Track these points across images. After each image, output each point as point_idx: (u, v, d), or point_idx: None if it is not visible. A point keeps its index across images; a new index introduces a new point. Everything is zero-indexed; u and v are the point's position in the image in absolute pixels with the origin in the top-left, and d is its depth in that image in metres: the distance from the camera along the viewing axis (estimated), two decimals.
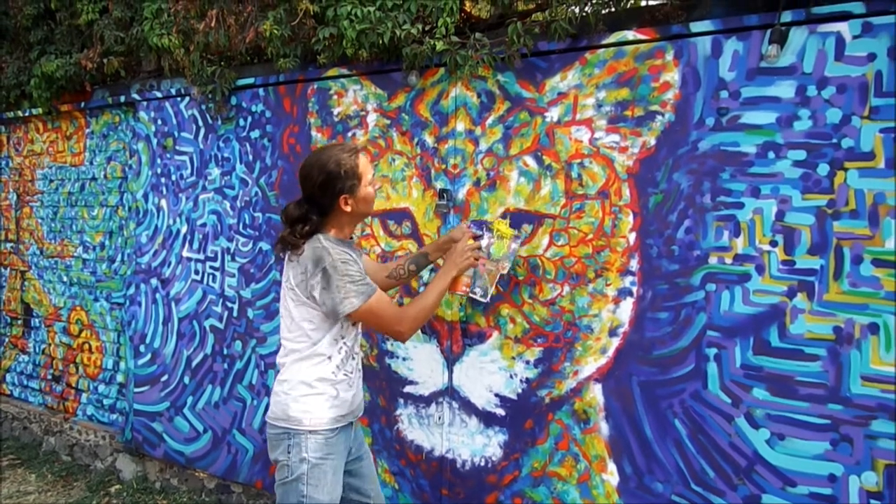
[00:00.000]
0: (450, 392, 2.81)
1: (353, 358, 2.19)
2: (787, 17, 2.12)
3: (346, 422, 2.17)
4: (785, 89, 2.14)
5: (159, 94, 3.77)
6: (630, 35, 2.40)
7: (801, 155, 2.12)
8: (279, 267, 3.29)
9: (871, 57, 2.02)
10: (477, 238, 2.46)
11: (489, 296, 2.47)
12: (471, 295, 2.49)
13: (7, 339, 4.92)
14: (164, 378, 3.80)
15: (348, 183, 2.06)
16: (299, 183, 2.13)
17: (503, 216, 2.63)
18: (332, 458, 2.10)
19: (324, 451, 2.08)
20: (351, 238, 2.23)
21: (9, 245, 4.86)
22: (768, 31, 2.15)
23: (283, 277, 2.16)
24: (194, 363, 3.66)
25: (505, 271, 2.48)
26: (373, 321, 2.12)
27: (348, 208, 2.09)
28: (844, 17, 2.05)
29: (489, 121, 2.68)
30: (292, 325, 2.12)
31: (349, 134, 3.05)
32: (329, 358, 2.11)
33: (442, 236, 2.59)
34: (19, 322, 4.82)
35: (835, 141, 2.07)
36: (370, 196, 2.15)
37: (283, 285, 2.16)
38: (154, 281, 3.82)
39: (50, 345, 4.59)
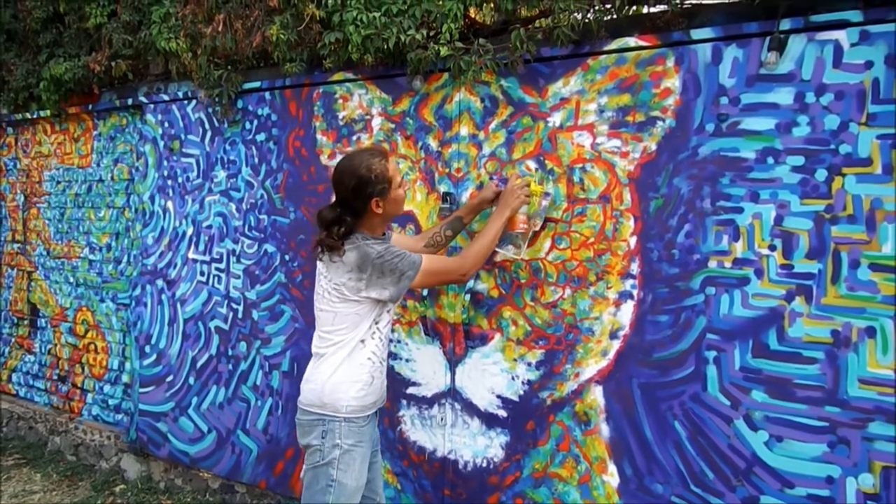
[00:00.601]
0: (452, 393, 2.84)
1: (386, 343, 2.33)
2: (785, 24, 2.15)
3: (374, 409, 2.30)
4: (784, 96, 2.17)
5: (166, 97, 3.81)
6: (632, 42, 2.43)
7: (799, 160, 2.15)
8: (283, 269, 3.33)
9: (869, 64, 2.05)
10: None
11: (524, 253, 2.55)
12: (503, 252, 2.59)
13: (13, 339, 4.96)
14: (170, 378, 3.83)
15: (379, 187, 2.16)
16: (332, 187, 2.23)
17: (535, 171, 2.67)
18: (362, 446, 2.21)
19: (355, 437, 2.19)
20: (384, 235, 2.34)
21: (16, 246, 4.91)
22: (767, 39, 2.18)
23: (323, 277, 2.25)
24: (199, 364, 3.70)
25: (537, 228, 2.56)
26: (436, 279, 2.33)
27: (379, 210, 2.20)
28: (842, 25, 2.08)
29: (492, 125, 2.72)
30: (336, 320, 2.22)
31: (354, 138, 3.09)
32: (363, 342, 2.23)
33: (474, 198, 2.68)
34: (26, 322, 4.86)
35: (833, 147, 2.10)
36: (400, 198, 2.27)
37: (324, 284, 2.25)
38: (160, 282, 3.86)
39: (56, 345, 4.63)
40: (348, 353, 2.20)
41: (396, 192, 2.23)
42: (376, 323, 2.25)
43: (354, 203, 2.18)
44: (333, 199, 2.26)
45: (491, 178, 2.72)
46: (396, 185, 2.22)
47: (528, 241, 2.57)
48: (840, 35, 2.09)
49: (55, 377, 4.64)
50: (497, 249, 2.57)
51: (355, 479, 2.18)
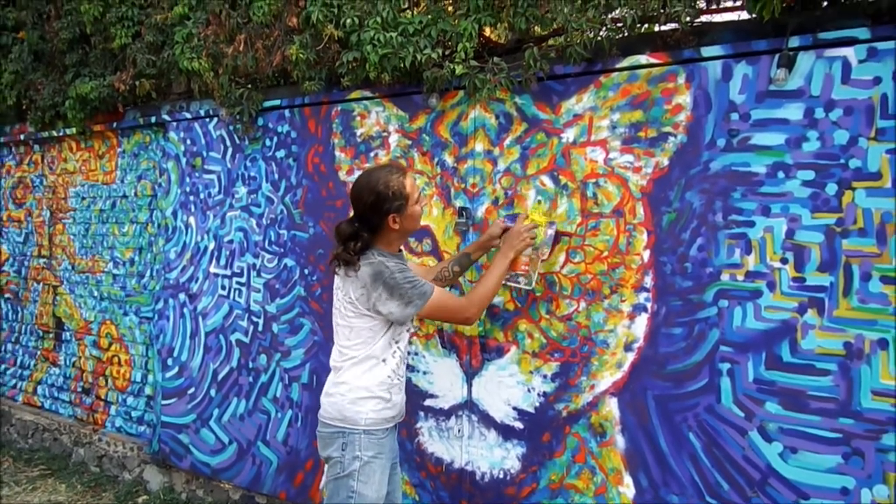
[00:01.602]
0: (469, 405, 2.88)
1: (404, 360, 2.37)
2: (794, 42, 2.19)
3: (394, 423, 2.34)
4: (793, 111, 2.21)
5: (189, 115, 3.90)
6: (643, 59, 2.48)
7: (809, 175, 2.18)
8: (303, 283, 3.39)
9: (877, 80, 2.08)
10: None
11: (534, 283, 2.58)
12: (514, 285, 2.61)
13: (39, 352, 5.06)
14: (191, 391, 3.90)
15: (396, 203, 2.20)
16: (351, 203, 2.29)
17: (537, 203, 2.72)
18: (382, 458, 2.25)
19: (375, 449, 2.23)
20: (400, 251, 2.39)
21: (42, 261, 5.02)
22: (777, 56, 2.22)
23: (340, 291, 2.30)
24: (220, 376, 3.77)
25: (546, 257, 2.59)
26: (440, 315, 2.36)
27: (396, 226, 2.25)
28: (850, 42, 2.12)
29: (507, 141, 2.77)
30: (351, 334, 2.27)
31: (372, 154, 3.15)
32: (384, 361, 2.28)
33: (482, 236, 2.73)
34: (51, 335, 4.96)
35: (842, 161, 2.13)
36: (417, 214, 2.31)
37: (341, 298, 2.30)
38: (182, 296, 3.94)
39: (80, 358, 4.72)
40: (368, 368, 2.24)
41: (413, 208, 2.27)
42: (396, 342, 2.30)
43: (372, 219, 2.22)
44: (351, 214, 2.32)
45: (499, 204, 2.77)
46: (414, 202, 2.27)
47: (537, 270, 2.59)
48: (848, 52, 2.13)
49: (79, 389, 4.73)
50: (507, 283, 2.60)
51: (375, 490, 2.22)
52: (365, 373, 2.24)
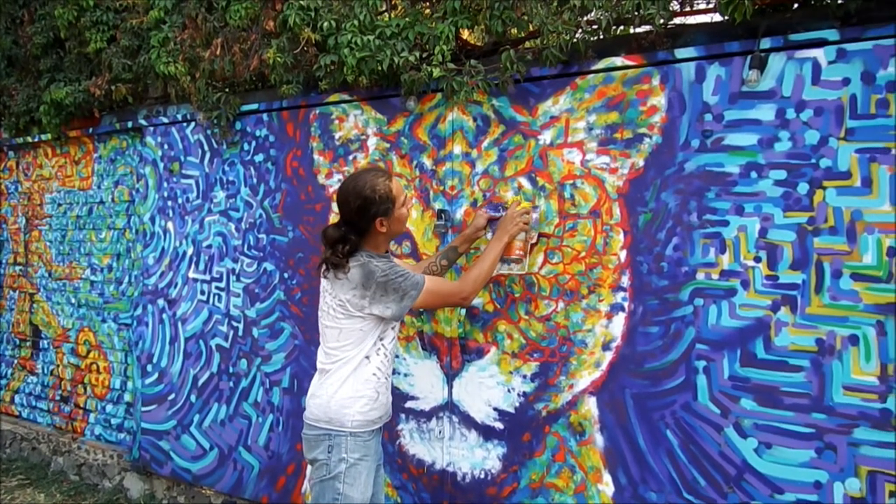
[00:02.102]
0: (450, 407, 2.89)
1: (391, 360, 2.37)
2: (766, 43, 2.23)
3: (380, 424, 2.33)
4: (765, 112, 2.24)
5: (166, 120, 3.88)
6: (618, 61, 2.51)
7: (781, 174, 2.21)
8: (282, 287, 3.39)
9: (846, 81, 2.13)
10: (496, 220, 2.63)
11: (526, 266, 2.59)
12: (508, 272, 2.63)
13: (16, 361, 5.00)
14: (171, 397, 3.88)
15: (383, 206, 2.22)
16: (337, 207, 2.29)
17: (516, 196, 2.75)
18: (367, 460, 2.25)
19: (361, 451, 2.23)
20: (387, 252, 2.40)
21: (18, 268, 4.96)
22: (749, 58, 2.25)
23: (328, 294, 2.30)
24: (200, 382, 3.75)
25: (534, 240, 2.62)
26: (437, 301, 2.39)
27: (383, 229, 2.26)
28: (820, 43, 2.16)
29: (485, 144, 2.79)
30: (341, 336, 2.27)
31: (350, 157, 3.16)
32: (368, 359, 2.28)
33: (468, 228, 2.73)
34: (28, 344, 4.90)
35: (813, 161, 2.17)
36: (403, 217, 2.33)
37: (329, 301, 2.29)
38: (161, 301, 3.91)
39: (58, 366, 4.67)
40: (353, 368, 2.25)
41: (400, 210, 2.29)
42: (381, 339, 2.30)
43: (359, 223, 2.23)
44: (338, 218, 2.32)
45: (477, 206, 2.79)
46: (400, 204, 2.28)
47: (529, 254, 2.61)
48: (818, 53, 2.17)
49: (58, 398, 4.68)
50: (501, 271, 2.62)
51: (361, 492, 2.22)
52: (353, 373, 2.24)
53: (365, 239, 2.28)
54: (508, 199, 2.73)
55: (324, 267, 2.27)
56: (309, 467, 2.30)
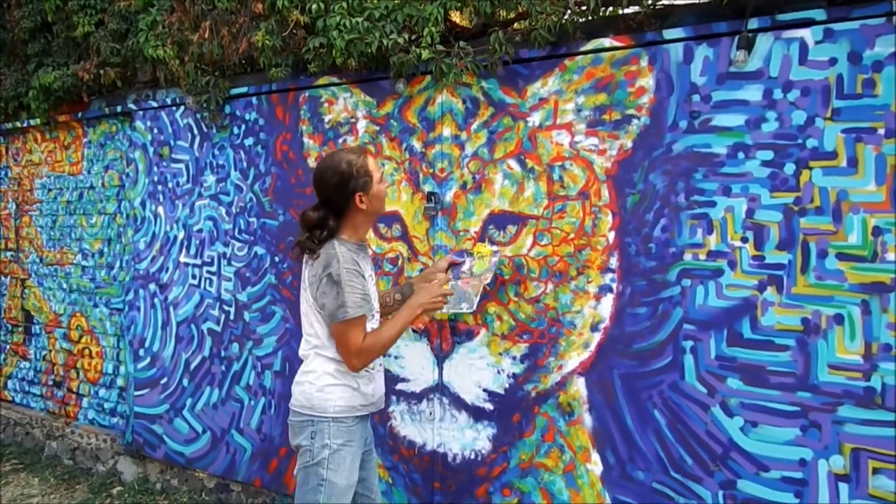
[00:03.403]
0: (440, 388, 2.91)
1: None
2: (753, 24, 2.23)
3: (365, 412, 2.29)
4: (753, 93, 2.25)
5: (155, 104, 3.86)
6: (607, 42, 2.50)
7: (768, 155, 2.22)
8: (273, 270, 3.39)
9: (833, 61, 2.13)
10: (458, 264, 2.59)
11: (475, 306, 2.55)
12: (456, 311, 2.60)
13: (8, 347, 5.00)
14: (164, 381, 3.89)
15: (361, 181, 2.17)
16: (314, 188, 2.22)
17: (482, 240, 2.79)
18: (351, 446, 2.22)
19: (345, 437, 2.20)
20: (364, 241, 2.32)
21: (9, 254, 4.95)
22: (736, 38, 2.26)
23: (302, 278, 2.27)
24: (193, 366, 3.76)
25: (487, 281, 2.58)
26: (339, 340, 2.17)
27: (363, 206, 2.19)
28: (807, 23, 2.16)
29: (474, 126, 2.79)
30: (315, 322, 2.24)
31: (340, 140, 3.15)
32: None
33: (427, 268, 2.72)
34: (20, 329, 4.90)
35: (800, 141, 2.17)
36: (382, 193, 2.26)
37: (302, 285, 2.27)
38: (152, 286, 3.91)
39: (51, 351, 4.67)
40: (328, 357, 2.22)
41: (379, 186, 2.23)
42: None
43: (338, 200, 2.18)
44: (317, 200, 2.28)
45: (467, 188, 2.79)
46: (378, 180, 2.23)
47: (479, 293, 2.55)
48: (805, 33, 2.17)
49: (51, 383, 4.69)
50: (449, 311, 2.60)
51: (346, 477, 2.20)
52: (330, 360, 2.21)
53: (344, 220, 2.22)
54: (476, 249, 2.74)
55: (297, 251, 2.23)
56: None
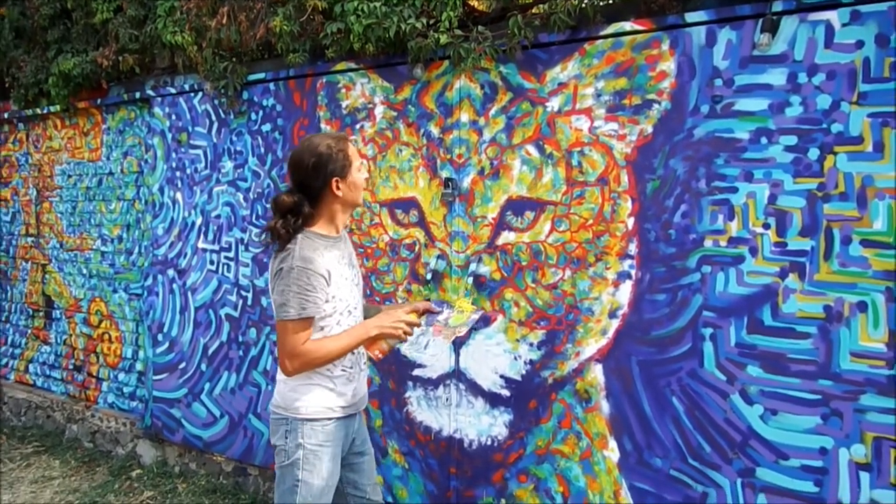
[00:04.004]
0: (457, 374, 2.91)
1: (352, 353, 2.19)
2: (778, 6, 2.19)
3: (344, 413, 2.19)
4: (776, 77, 2.21)
5: (173, 90, 3.88)
6: (627, 26, 2.47)
7: (792, 140, 2.19)
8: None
9: (860, 44, 2.09)
10: (434, 312, 2.30)
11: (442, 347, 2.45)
12: (417, 352, 2.48)
13: (29, 331, 5.06)
14: (182, 365, 3.92)
15: (339, 165, 2.06)
16: (289, 172, 2.12)
17: (466, 295, 2.78)
18: (328, 446, 2.15)
19: (320, 438, 2.13)
20: (338, 234, 2.18)
21: (29, 239, 5.00)
22: (760, 21, 2.22)
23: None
24: (211, 350, 3.78)
25: (461, 334, 2.32)
26: (280, 339, 2.06)
27: (339, 192, 2.08)
28: (834, 5, 2.12)
29: (492, 111, 2.77)
30: None
31: (357, 126, 3.14)
32: None
33: (406, 304, 2.41)
34: (41, 314, 4.96)
35: (825, 126, 2.14)
36: (359, 182, 2.14)
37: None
38: (171, 272, 3.94)
39: (71, 335, 4.73)
40: None
41: (356, 174, 2.12)
42: (322, 329, 2.10)
43: (314, 184, 2.06)
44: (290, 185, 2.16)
45: (485, 174, 2.77)
46: (356, 168, 2.12)
47: (451, 339, 2.35)
48: (831, 15, 2.13)
49: (71, 367, 4.74)
50: (409, 350, 2.49)
51: (322, 478, 2.13)
52: None
53: (319, 208, 2.10)
54: (455, 301, 2.63)
55: (266, 236, 2.09)
56: None
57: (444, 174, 2.89)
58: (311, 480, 2.11)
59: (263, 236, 2.11)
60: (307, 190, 2.08)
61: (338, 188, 2.08)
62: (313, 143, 2.08)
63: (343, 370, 2.17)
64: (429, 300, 2.63)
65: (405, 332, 2.13)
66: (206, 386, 3.81)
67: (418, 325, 2.20)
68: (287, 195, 2.08)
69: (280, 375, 2.18)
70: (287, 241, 2.04)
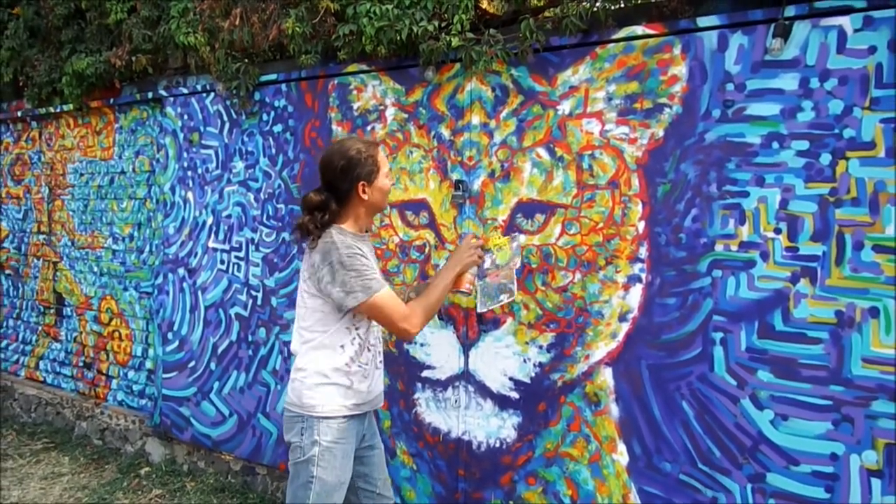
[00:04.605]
0: (466, 376, 2.91)
1: (369, 350, 2.25)
2: (790, 11, 2.19)
3: (359, 411, 2.24)
4: (788, 81, 2.21)
5: (185, 91, 3.90)
6: (639, 30, 2.48)
7: (804, 145, 2.19)
8: (301, 256, 3.41)
9: (872, 49, 2.09)
10: (478, 265, 2.51)
11: (515, 292, 2.51)
12: (499, 304, 2.53)
13: (40, 328, 5.10)
14: (192, 364, 3.94)
15: (367, 169, 2.16)
16: (319, 172, 2.22)
17: (493, 228, 2.78)
18: (343, 443, 2.19)
19: (335, 435, 2.17)
20: (366, 232, 2.31)
21: (41, 237, 5.04)
22: (772, 26, 2.22)
23: (302, 269, 2.26)
24: (220, 350, 3.80)
25: (518, 265, 2.55)
26: (379, 316, 2.16)
27: (365, 196, 2.17)
28: (846, 11, 2.12)
29: (503, 114, 2.77)
30: (307, 315, 2.21)
31: (368, 128, 3.15)
32: (342, 348, 2.19)
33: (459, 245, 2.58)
34: (52, 311, 4.99)
35: (837, 131, 2.14)
36: (386, 188, 2.25)
37: (301, 276, 2.26)
38: (181, 270, 3.96)
39: (81, 333, 4.76)
40: (324, 354, 2.18)
41: (384, 180, 2.22)
42: (356, 329, 2.20)
43: (342, 185, 2.16)
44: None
45: (493, 177, 2.78)
46: (384, 174, 2.22)
47: (515, 279, 2.52)
48: (844, 21, 2.13)
49: (81, 364, 4.77)
50: (490, 308, 2.54)
51: (336, 475, 2.17)
52: (321, 358, 2.17)
53: (346, 208, 2.20)
54: (487, 244, 2.65)
55: (297, 233, 2.19)
56: None
57: (455, 176, 2.90)
58: (325, 477, 2.15)
59: (295, 234, 2.21)
60: (335, 191, 2.18)
61: (364, 192, 2.17)
62: (344, 146, 2.17)
63: (360, 366, 2.22)
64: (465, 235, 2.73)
65: (479, 256, 2.47)
66: (216, 385, 3.83)
67: (481, 245, 2.51)
68: (315, 194, 2.19)
69: (293, 374, 2.23)
70: (317, 235, 2.13)
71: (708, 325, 2.37)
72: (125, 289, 4.43)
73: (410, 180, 3.03)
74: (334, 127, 3.28)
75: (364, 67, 3.15)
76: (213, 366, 3.84)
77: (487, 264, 2.58)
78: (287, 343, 3.49)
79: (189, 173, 3.90)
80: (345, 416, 2.19)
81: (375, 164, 2.18)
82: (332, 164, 2.16)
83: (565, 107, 2.63)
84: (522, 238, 2.57)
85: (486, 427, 2.87)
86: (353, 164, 2.14)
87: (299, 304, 2.26)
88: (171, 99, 3.97)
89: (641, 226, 2.49)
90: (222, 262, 3.77)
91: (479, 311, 2.59)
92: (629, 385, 2.54)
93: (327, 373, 2.17)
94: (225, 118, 3.72)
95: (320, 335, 2.18)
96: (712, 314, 2.36)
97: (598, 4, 2.52)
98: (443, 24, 2.83)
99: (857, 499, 2.14)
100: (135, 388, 4.40)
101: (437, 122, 2.95)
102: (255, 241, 3.62)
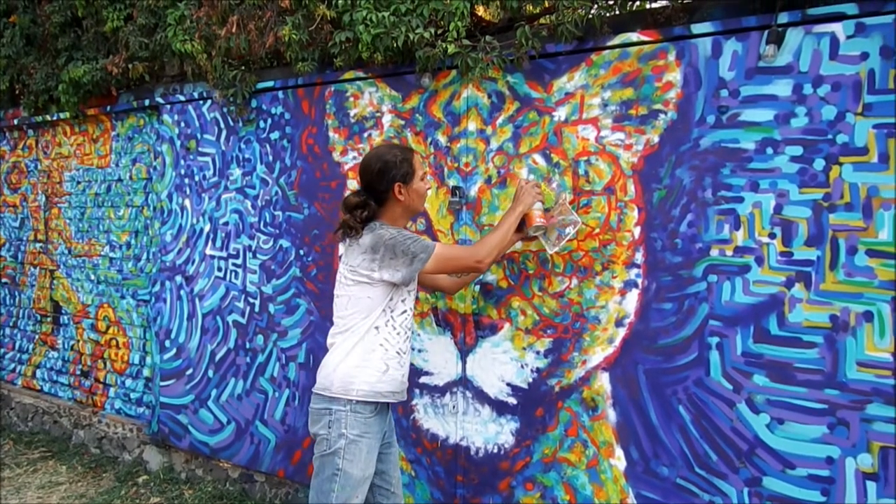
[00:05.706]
0: (463, 382, 2.92)
1: (403, 335, 2.34)
2: (783, 18, 2.21)
3: (392, 399, 2.33)
4: (782, 88, 2.23)
5: (182, 98, 3.91)
6: (634, 37, 2.49)
7: (797, 150, 2.20)
8: (298, 263, 3.42)
9: (864, 56, 2.11)
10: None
11: (578, 222, 2.50)
12: (569, 238, 2.51)
13: (37, 336, 5.09)
14: (189, 372, 3.94)
15: (402, 171, 2.28)
16: (358, 176, 2.35)
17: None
18: (368, 437, 2.24)
19: (362, 428, 2.22)
20: (404, 228, 2.39)
21: (38, 245, 5.04)
22: (766, 32, 2.24)
23: (342, 260, 2.34)
24: (218, 357, 3.80)
25: (567, 198, 2.60)
26: (451, 264, 2.34)
27: (402, 197, 2.30)
28: (838, 17, 2.14)
29: (499, 120, 2.79)
30: (349, 304, 2.28)
31: (365, 135, 3.17)
32: (377, 329, 2.28)
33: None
34: (49, 319, 4.99)
35: (830, 137, 2.15)
36: (422, 190, 2.37)
37: (341, 267, 2.33)
38: (178, 278, 3.97)
39: (78, 341, 4.75)
40: (360, 338, 2.25)
41: (420, 183, 2.34)
42: (391, 310, 2.29)
43: (379, 187, 2.28)
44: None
45: (491, 183, 2.79)
46: (420, 177, 2.34)
47: (572, 213, 2.52)
48: (836, 27, 2.15)
49: (78, 372, 4.77)
50: (561, 245, 2.54)
51: (361, 469, 2.21)
52: (359, 342, 2.25)
53: (383, 209, 2.32)
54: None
55: (340, 231, 2.30)
56: None
57: (452, 182, 2.92)
58: (350, 470, 2.19)
59: (337, 233, 2.32)
60: (373, 192, 2.31)
61: (400, 193, 2.29)
62: (381, 151, 2.33)
63: (397, 352, 2.31)
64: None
65: (539, 192, 2.52)
66: (213, 392, 3.83)
67: (538, 183, 2.59)
68: (354, 195, 2.33)
69: (327, 359, 2.30)
70: (359, 230, 2.25)
71: (704, 330, 2.38)
72: (122, 297, 4.43)
73: None
74: (331, 134, 3.29)
75: (360, 74, 3.17)
76: (210, 373, 3.84)
77: (538, 213, 2.56)
78: (284, 350, 3.50)
79: (186, 181, 3.91)
80: (375, 406, 2.26)
81: (411, 167, 2.31)
82: (370, 168, 2.29)
83: (561, 113, 2.65)
84: (556, 185, 2.62)
85: (484, 433, 2.88)
86: (389, 167, 2.27)
87: (339, 294, 2.33)
88: (168, 106, 3.98)
89: (637, 231, 2.50)
90: (220, 269, 3.78)
91: (549, 252, 2.59)
92: (626, 390, 2.55)
93: (364, 356, 2.25)
94: (222, 125, 3.73)
95: (361, 321, 2.27)
96: (708, 319, 2.37)
97: (593, 11, 2.54)
98: (439, 31, 2.84)
99: (852, 502, 2.14)
100: (132, 396, 4.40)
101: (434, 128, 2.96)
102: (253, 248, 3.63)
